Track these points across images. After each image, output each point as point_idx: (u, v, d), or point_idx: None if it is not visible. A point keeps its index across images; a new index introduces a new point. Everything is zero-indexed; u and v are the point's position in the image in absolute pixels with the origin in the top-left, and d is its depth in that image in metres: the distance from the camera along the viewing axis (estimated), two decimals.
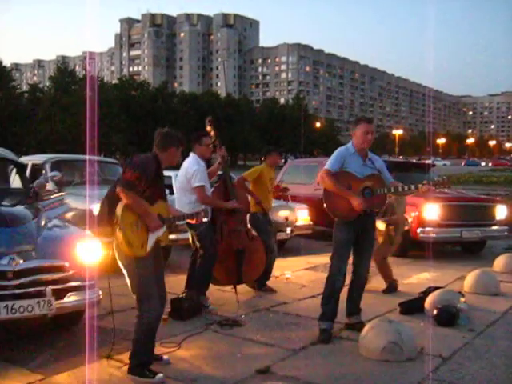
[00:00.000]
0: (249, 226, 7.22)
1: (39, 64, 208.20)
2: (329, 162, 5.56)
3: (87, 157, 10.25)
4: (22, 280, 4.61)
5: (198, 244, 6.51)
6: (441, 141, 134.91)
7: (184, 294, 6.33)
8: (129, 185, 4.29)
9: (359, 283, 5.85)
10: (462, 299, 6.29)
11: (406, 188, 5.49)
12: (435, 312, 6.04)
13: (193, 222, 5.19)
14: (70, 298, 4.93)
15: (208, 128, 6.76)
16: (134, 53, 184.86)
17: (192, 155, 6.59)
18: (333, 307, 5.60)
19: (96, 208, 7.83)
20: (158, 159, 4.53)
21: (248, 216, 7.24)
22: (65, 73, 65.68)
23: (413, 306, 6.53)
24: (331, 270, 5.63)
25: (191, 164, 6.45)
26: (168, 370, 4.55)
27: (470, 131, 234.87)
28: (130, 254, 4.34)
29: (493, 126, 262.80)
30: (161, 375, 4.34)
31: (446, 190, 10.92)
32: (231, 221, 6.81)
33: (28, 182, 6.59)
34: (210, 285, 6.62)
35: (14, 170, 6.65)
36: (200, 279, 6.49)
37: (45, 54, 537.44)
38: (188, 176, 6.38)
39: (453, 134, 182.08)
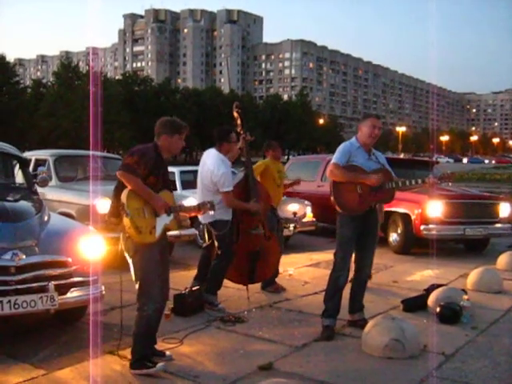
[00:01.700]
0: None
1: (43, 59, 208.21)
2: (335, 156, 5.55)
3: (90, 152, 10.26)
4: (25, 275, 4.61)
5: (216, 244, 6.36)
6: (444, 138, 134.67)
7: (187, 290, 6.31)
8: (128, 168, 4.36)
9: (362, 280, 5.84)
10: (465, 297, 6.27)
11: (413, 182, 5.51)
12: (438, 309, 6.03)
13: (200, 213, 5.11)
14: (73, 294, 4.93)
15: (235, 114, 6.58)
16: (137, 48, 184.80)
17: (214, 153, 6.31)
18: (336, 304, 5.59)
19: (99, 203, 7.86)
20: (157, 148, 4.56)
21: None
22: (68, 68, 65.66)
23: (416, 304, 6.51)
24: (335, 267, 5.62)
25: (217, 166, 6.14)
26: (170, 366, 4.55)
27: (473, 128, 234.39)
28: (139, 239, 4.35)
29: (496, 124, 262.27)
30: (161, 364, 4.38)
31: (449, 188, 10.91)
32: (248, 220, 6.54)
33: (31, 177, 6.59)
34: None
35: (18, 166, 6.65)
36: (213, 279, 6.41)
37: (48, 49, 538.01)
38: (214, 179, 6.12)
39: (456, 132, 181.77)
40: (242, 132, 6.64)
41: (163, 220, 4.49)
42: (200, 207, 4.92)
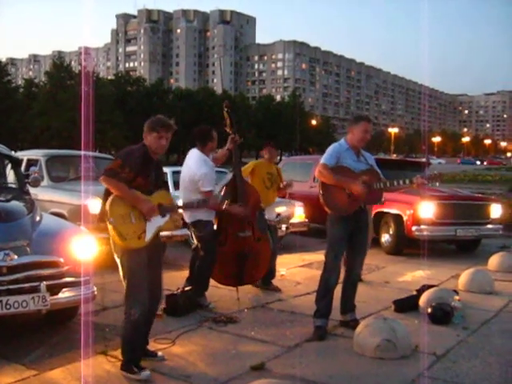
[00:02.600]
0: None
1: (35, 59, 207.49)
2: (324, 157, 5.57)
3: (82, 152, 10.23)
4: (17, 275, 4.59)
5: (199, 245, 6.37)
6: (436, 139, 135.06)
7: (179, 291, 6.31)
8: (110, 173, 4.30)
9: (353, 280, 5.86)
10: (457, 297, 6.30)
11: (401, 182, 5.53)
12: (429, 310, 6.05)
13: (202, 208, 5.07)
14: (65, 294, 4.91)
15: (225, 114, 6.52)
16: (130, 48, 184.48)
17: (197, 153, 6.31)
18: (327, 304, 5.60)
19: (91, 204, 7.84)
20: (145, 148, 4.49)
21: None
22: (60, 68, 65.47)
23: (407, 304, 6.54)
24: (326, 267, 5.64)
25: (198, 165, 6.16)
26: (162, 367, 4.56)
27: (465, 130, 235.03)
28: (124, 246, 4.32)
29: (488, 125, 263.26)
30: (147, 373, 4.31)
31: (440, 189, 10.95)
32: (237, 223, 6.49)
33: (23, 177, 6.57)
34: None
35: (9, 165, 6.63)
36: (198, 281, 6.42)
37: (41, 49, 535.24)
38: (195, 178, 6.11)
39: (448, 133, 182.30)
40: (231, 132, 6.58)
41: (156, 222, 4.43)
42: (195, 204, 4.86)
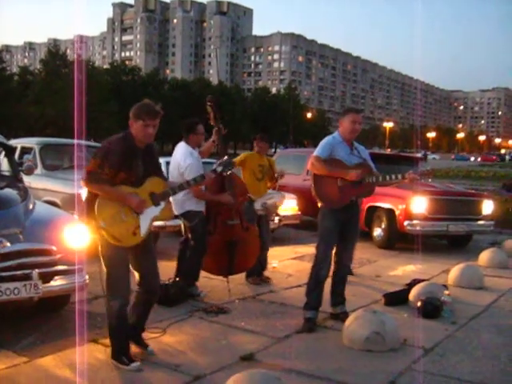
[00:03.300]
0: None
1: (30, 46, 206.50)
2: (318, 150, 5.60)
3: (75, 141, 10.22)
4: (9, 263, 4.61)
5: (189, 235, 6.43)
6: (431, 135, 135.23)
7: (171, 281, 6.35)
8: (90, 175, 4.18)
9: (343, 273, 5.91)
10: (446, 292, 6.35)
11: (393, 177, 5.55)
12: (419, 304, 6.10)
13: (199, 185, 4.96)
14: (57, 282, 4.94)
15: (208, 108, 6.52)
16: (126, 38, 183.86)
17: (183, 145, 6.40)
18: (317, 296, 5.64)
19: (84, 192, 7.85)
20: (128, 137, 4.32)
21: None
22: (56, 56, 65.16)
23: (397, 298, 6.59)
24: (316, 259, 5.67)
25: (184, 157, 6.23)
26: (152, 355, 4.59)
27: (460, 126, 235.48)
28: (122, 245, 4.26)
29: (483, 122, 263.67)
30: (137, 363, 4.33)
31: (433, 184, 11.00)
32: (225, 212, 6.57)
33: (17, 165, 6.58)
34: None
35: (3, 153, 6.63)
36: (189, 270, 6.45)
37: (36, 36, 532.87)
38: (181, 170, 6.18)
39: (443, 128, 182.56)
40: (215, 125, 6.59)
41: (150, 213, 4.34)
42: (192, 183, 4.71)
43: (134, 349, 4.56)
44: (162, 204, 4.41)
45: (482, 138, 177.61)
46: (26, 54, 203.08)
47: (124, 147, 4.27)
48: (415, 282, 6.91)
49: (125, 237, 4.26)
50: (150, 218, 4.35)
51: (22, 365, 4.33)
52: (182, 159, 6.23)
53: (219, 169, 4.76)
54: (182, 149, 6.39)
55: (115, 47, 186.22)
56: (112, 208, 4.23)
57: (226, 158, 4.91)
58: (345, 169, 5.49)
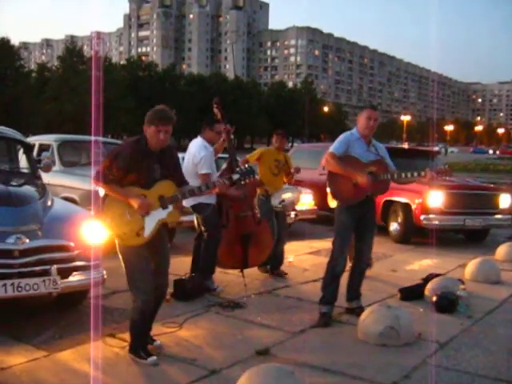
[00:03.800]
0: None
1: (48, 43, 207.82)
2: (334, 145, 5.62)
3: (92, 138, 10.30)
4: (28, 259, 4.70)
5: (202, 228, 6.53)
6: (449, 128, 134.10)
7: (187, 276, 6.41)
8: (98, 176, 4.30)
9: (360, 268, 5.93)
10: (462, 286, 6.34)
11: (409, 175, 5.53)
12: (435, 298, 6.10)
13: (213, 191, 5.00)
14: (75, 278, 5.03)
15: (215, 110, 6.70)
16: (142, 33, 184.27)
17: (200, 139, 6.55)
18: (333, 291, 5.67)
19: (101, 190, 7.93)
20: (142, 141, 4.39)
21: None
22: (73, 52, 65.55)
23: (413, 293, 6.59)
24: (333, 254, 5.70)
25: (198, 149, 6.39)
26: (169, 350, 4.66)
27: (478, 118, 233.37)
28: (124, 243, 4.36)
29: (502, 114, 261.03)
30: (154, 358, 4.39)
31: (450, 178, 10.94)
32: (238, 205, 6.70)
33: (35, 162, 6.67)
34: None
35: (21, 150, 6.72)
36: (205, 264, 6.52)
37: (54, 33, 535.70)
38: (195, 161, 6.33)
39: (461, 121, 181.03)
40: (223, 124, 6.70)
41: (157, 216, 4.36)
42: (204, 189, 4.66)
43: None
44: (170, 208, 4.42)
45: (500, 130, 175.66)
46: (44, 51, 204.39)
47: (134, 150, 4.35)
48: (431, 276, 6.90)
49: (128, 236, 4.34)
50: (155, 221, 4.37)
51: (42, 359, 4.41)
52: (197, 151, 6.39)
53: (235, 177, 4.70)
54: (197, 142, 6.55)
55: (132, 43, 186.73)
56: (118, 208, 4.32)
57: (245, 167, 4.85)
58: (360, 166, 5.50)
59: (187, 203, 6.37)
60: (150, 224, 4.35)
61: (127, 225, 4.32)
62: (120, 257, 4.46)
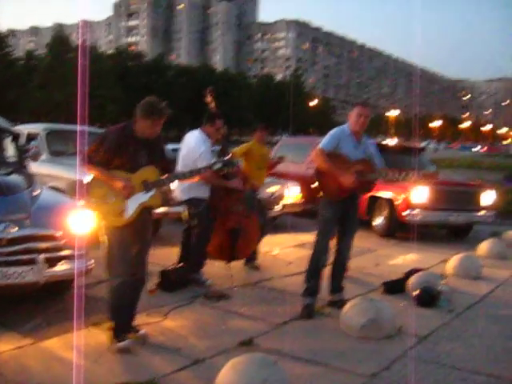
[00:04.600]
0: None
1: (36, 31, 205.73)
2: (323, 141, 5.69)
3: (78, 127, 10.27)
4: (16, 247, 4.74)
5: (194, 221, 6.52)
6: (436, 123, 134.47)
7: (172, 267, 6.46)
8: (85, 158, 4.48)
9: (342, 261, 6.02)
10: (444, 281, 6.45)
11: (395, 175, 5.61)
12: (416, 293, 6.21)
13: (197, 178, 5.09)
14: (62, 267, 5.07)
15: (208, 99, 6.69)
16: (131, 23, 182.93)
17: (199, 132, 6.51)
18: (316, 283, 5.76)
19: (86, 179, 7.94)
20: (128, 128, 4.54)
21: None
22: (61, 41, 64.98)
23: (395, 287, 6.69)
24: (315, 248, 5.79)
25: (198, 144, 6.36)
26: (153, 339, 4.71)
27: (465, 115, 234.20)
28: (107, 224, 4.51)
29: (489, 111, 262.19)
30: (128, 341, 4.44)
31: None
32: (228, 199, 6.72)
33: (22, 151, 6.67)
34: None
35: (9, 139, 6.71)
36: (195, 258, 6.56)
37: (42, 20, 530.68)
38: (194, 156, 6.28)
39: (448, 118, 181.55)
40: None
41: (138, 199, 4.49)
42: (193, 173, 4.96)
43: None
44: (153, 192, 4.56)
45: (486, 128, 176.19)
46: (32, 39, 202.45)
47: (119, 136, 4.53)
48: (413, 271, 7.00)
49: (110, 216, 4.49)
50: (137, 203, 4.50)
51: (28, 346, 4.46)
52: (197, 145, 6.36)
53: (216, 166, 4.93)
54: (196, 136, 6.51)
55: (121, 32, 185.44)
56: (103, 189, 4.48)
57: (227, 157, 5.00)
58: (346, 165, 5.57)
59: (181, 197, 6.43)
60: (132, 206, 4.48)
61: (110, 205, 4.47)
62: (106, 240, 4.56)
